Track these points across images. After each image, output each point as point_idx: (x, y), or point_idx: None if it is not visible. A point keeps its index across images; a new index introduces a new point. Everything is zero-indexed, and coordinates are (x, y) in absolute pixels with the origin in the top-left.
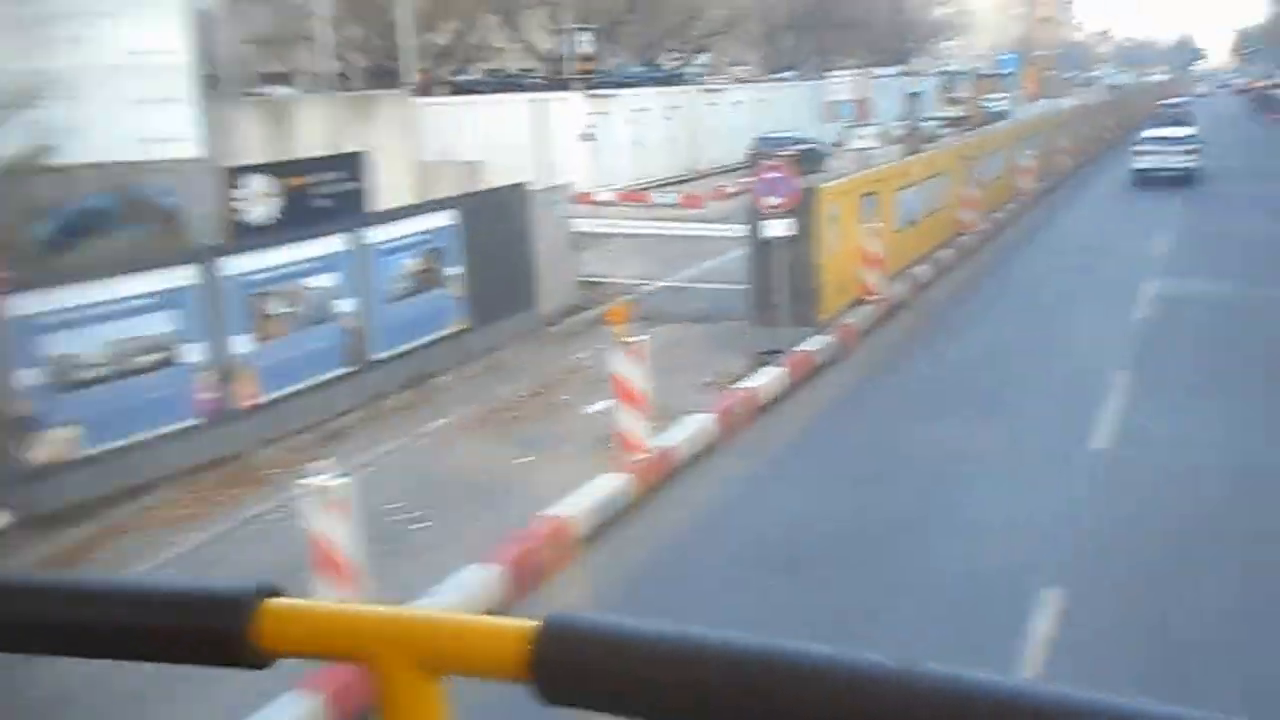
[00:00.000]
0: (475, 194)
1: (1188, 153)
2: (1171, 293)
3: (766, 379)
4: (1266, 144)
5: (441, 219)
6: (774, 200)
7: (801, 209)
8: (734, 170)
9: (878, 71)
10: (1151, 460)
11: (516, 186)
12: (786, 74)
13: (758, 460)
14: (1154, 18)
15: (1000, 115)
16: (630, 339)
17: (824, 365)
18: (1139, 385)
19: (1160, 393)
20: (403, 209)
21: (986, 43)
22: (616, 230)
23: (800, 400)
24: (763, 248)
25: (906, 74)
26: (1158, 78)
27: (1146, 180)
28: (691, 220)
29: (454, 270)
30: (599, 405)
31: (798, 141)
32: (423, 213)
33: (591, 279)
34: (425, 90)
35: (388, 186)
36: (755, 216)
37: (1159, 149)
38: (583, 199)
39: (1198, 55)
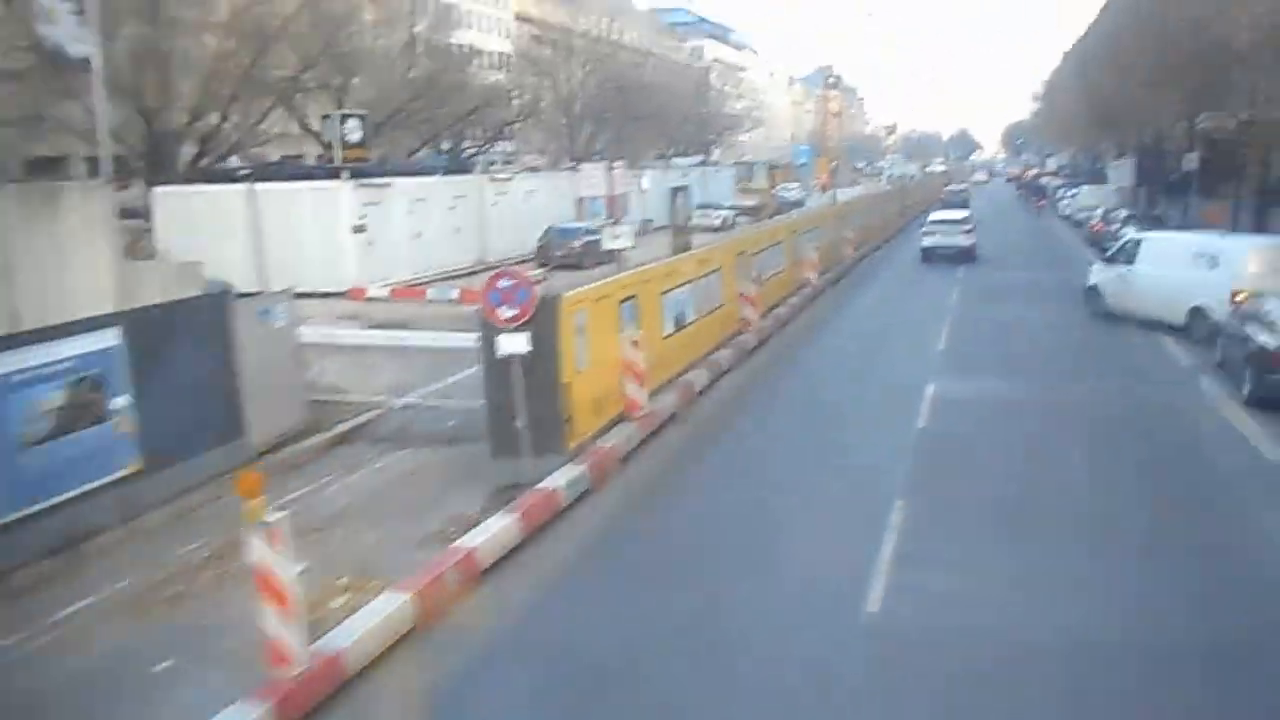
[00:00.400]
0: (150, 307)
1: (966, 232)
2: (954, 395)
3: (493, 531)
4: (1034, 229)
5: (101, 339)
6: (508, 312)
7: (541, 320)
8: (525, 262)
9: (678, 161)
10: (929, 630)
11: (213, 295)
12: (574, 164)
13: (456, 662)
14: (935, 113)
15: (796, 203)
16: (268, 519)
17: (572, 504)
18: (921, 519)
19: (943, 529)
20: (40, 331)
21: (786, 135)
22: (348, 341)
23: (532, 558)
24: (499, 366)
25: (705, 164)
26: (938, 168)
27: (934, 257)
28: (469, 315)
29: (120, 401)
30: (295, 569)
31: (590, 232)
32: (72, 334)
33: (327, 395)
34: (195, 178)
35: (79, 292)
36: (489, 330)
37: (943, 230)
38: (355, 295)
39: (974, 147)
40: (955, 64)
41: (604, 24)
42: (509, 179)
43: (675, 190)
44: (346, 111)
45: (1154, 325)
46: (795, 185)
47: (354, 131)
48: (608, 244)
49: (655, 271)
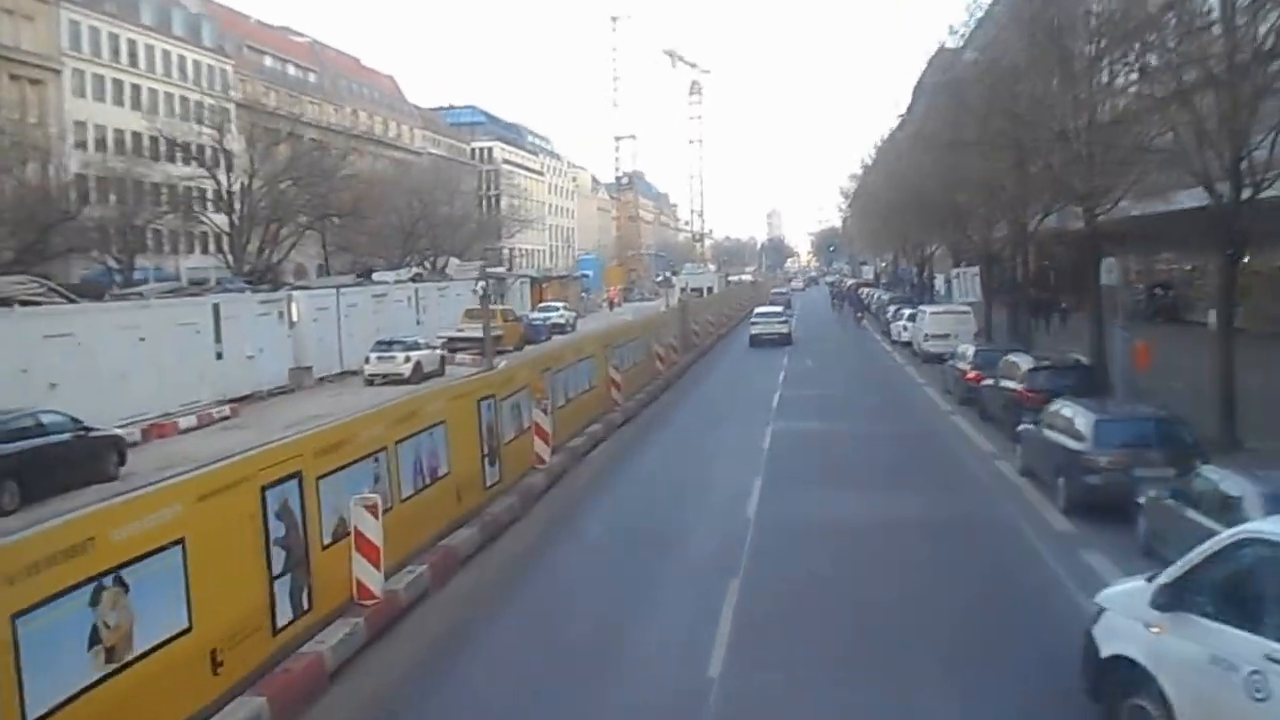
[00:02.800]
0: None
1: (784, 322)
2: None
3: None
4: (870, 367)
5: None
6: None
7: None
8: None
9: (383, 276)
10: None
11: None
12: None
13: None
14: (747, 219)
15: (558, 328)
16: None
17: None
18: None
19: None
20: None
21: (592, 243)
22: None
23: None
24: None
25: (421, 278)
26: (746, 278)
27: (760, 341)
28: None
29: None
30: None
31: (46, 428)
32: None
33: None
34: None
35: None
36: None
37: (767, 320)
38: None
39: (789, 254)
40: (768, 166)
41: (290, 100)
42: None
43: None
44: None
45: None
46: (560, 304)
47: None
48: None
49: None
